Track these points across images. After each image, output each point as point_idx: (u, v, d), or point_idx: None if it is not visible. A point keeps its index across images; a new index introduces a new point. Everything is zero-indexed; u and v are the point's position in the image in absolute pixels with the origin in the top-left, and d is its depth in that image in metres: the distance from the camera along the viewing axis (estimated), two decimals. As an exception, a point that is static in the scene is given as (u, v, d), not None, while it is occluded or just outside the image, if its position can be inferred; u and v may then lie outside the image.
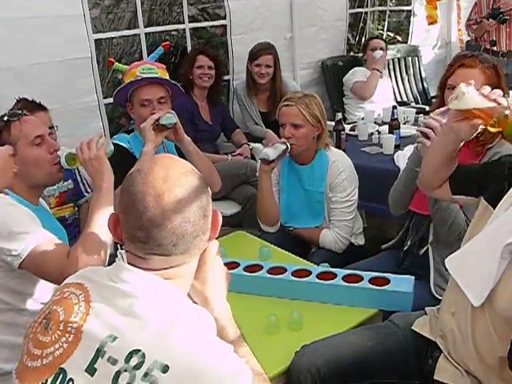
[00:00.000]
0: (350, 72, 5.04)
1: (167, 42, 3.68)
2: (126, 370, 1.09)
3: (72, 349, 1.15)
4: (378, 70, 4.86)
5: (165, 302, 1.18)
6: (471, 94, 1.69)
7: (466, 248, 1.67)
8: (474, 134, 1.76)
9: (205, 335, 1.17)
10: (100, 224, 1.81)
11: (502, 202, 1.61)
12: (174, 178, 1.20)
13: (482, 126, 1.70)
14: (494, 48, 5.28)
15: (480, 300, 1.53)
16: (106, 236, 1.79)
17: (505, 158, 1.77)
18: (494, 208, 1.64)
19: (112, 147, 2.12)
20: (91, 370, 1.12)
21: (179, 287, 1.25)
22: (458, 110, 1.73)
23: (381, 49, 4.94)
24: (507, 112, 1.64)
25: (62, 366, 1.15)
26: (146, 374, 1.08)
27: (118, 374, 1.10)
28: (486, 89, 1.70)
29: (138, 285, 1.19)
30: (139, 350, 1.09)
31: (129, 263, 1.22)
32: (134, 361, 1.09)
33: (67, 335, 1.16)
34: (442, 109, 2.14)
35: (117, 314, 1.15)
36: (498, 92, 1.70)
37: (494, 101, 1.66)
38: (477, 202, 1.79)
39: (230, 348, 1.18)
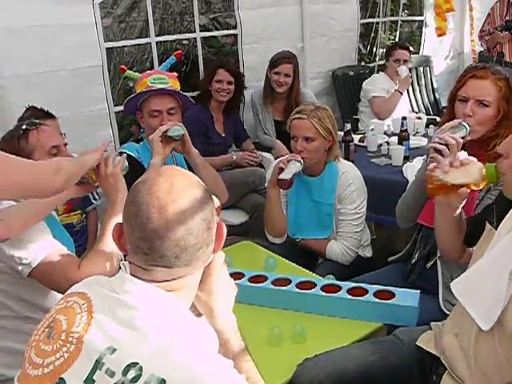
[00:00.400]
0: (370, 80, 4.91)
1: (179, 51, 3.69)
2: (123, 383, 1.09)
3: (73, 359, 1.15)
4: (401, 93, 4.68)
5: (166, 315, 1.18)
6: (443, 176, 1.76)
7: (472, 271, 1.66)
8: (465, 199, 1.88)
9: (204, 351, 1.16)
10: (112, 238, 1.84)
11: (503, 222, 1.62)
12: (178, 189, 1.20)
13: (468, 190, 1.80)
14: (507, 59, 5.25)
15: (489, 323, 1.51)
16: (117, 250, 1.82)
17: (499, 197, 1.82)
18: (497, 229, 1.65)
19: (127, 164, 2.16)
20: (89, 381, 1.13)
21: (182, 299, 1.25)
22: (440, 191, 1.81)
23: (405, 61, 4.72)
24: (480, 166, 1.73)
25: (61, 375, 1.15)
26: None
27: None
28: (446, 163, 1.77)
29: (139, 296, 1.19)
30: (137, 363, 1.09)
31: (132, 274, 1.22)
32: (132, 374, 1.09)
33: (68, 345, 1.17)
34: (451, 122, 2.14)
35: (118, 326, 1.15)
36: (461, 154, 1.75)
37: (461, 163, 1.74)
38: None
39: (230, 364, 1.18)
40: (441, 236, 2.06)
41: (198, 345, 1.16)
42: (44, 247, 1.82)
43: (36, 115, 2.71)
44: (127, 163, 2.16)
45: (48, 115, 2.86)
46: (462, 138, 2.08)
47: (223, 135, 4.13)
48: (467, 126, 2.13)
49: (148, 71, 2.99)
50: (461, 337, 1.65)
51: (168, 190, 1.19)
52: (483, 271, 1.59)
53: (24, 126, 2.08)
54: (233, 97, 4.11)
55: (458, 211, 1.91)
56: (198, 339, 1.18)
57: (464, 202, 1.89)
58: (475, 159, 1.79)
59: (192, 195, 1.21)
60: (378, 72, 5.20)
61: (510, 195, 1.63)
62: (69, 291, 1.32)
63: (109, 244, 1.84)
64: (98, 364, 1.12)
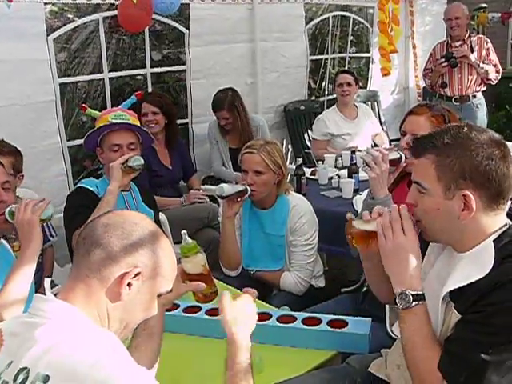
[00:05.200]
0: (317, 121, 4.98)
1: (140, 92, 3.77)
2: None
3: None
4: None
5: (66, 324, 1.24)
6: (359, 224, 1.74)
7: None
8: None
9: (98, 348, 1.20)
10: (15, 290, 1.86)
11: (425, 260, 1.72)
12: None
13: None
14: (448, 93, 5.48)
15: None
16: (21, 298, 1.85)
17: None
18: None
19: (50, 213, 2.08)
20: None
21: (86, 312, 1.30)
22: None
23: (348, 84, 4.82)
24: None
25: None
26: None
27: None
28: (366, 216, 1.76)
29: (50, 311, 1.25)
30: (25, 368, 1.16)
31: None
32: (21, 378, 1.15)
33: None
34: (389, 148, 2.30)
35: (20, 343, 1.21)
36: (377, 209, 1.75)
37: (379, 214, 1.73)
38: None
39: (142, 369, 1.23)
40: (368, 279, 2.01)
41: (97, 345, 1.20)
42: None
43: None
44: (51, 212, 2.08)
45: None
46: (394, 161, 2.37)
47: (170, 167, 4.11)
48: (402, 155, 2.40)
49: (109, 108, 3.04)
50: (402, 367, 1.69)
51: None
52: None
53: None
54: (167, 126, 4.11)
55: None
56: (96, 340, 1.22)
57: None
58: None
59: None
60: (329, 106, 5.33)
61: (429, 238, 1.69)
62: None
63: (14, 293, 1.84)
64: None
